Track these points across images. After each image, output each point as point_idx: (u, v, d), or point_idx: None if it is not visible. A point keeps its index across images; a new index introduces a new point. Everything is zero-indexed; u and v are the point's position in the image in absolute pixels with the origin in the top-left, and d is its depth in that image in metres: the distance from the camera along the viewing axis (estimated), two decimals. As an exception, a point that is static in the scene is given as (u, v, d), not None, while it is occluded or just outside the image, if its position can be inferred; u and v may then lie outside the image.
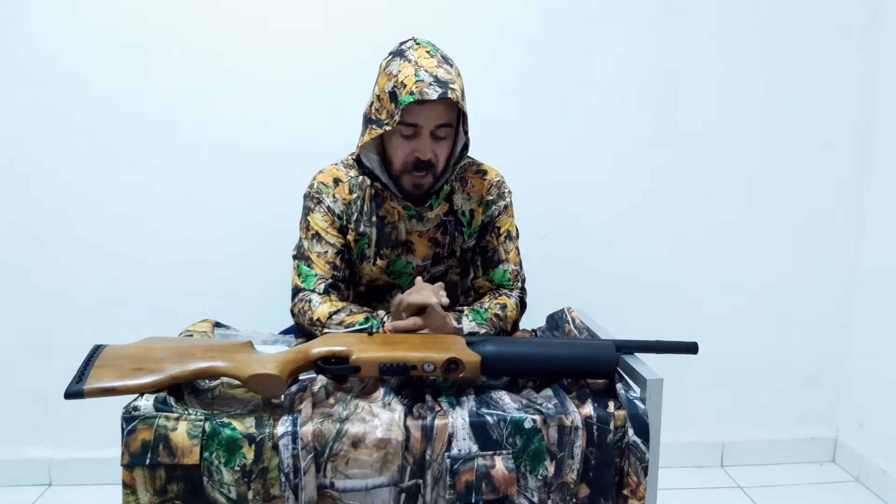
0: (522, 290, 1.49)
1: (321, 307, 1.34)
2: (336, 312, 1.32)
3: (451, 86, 1.26)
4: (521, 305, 1.48)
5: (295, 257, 1.44)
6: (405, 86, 1.26)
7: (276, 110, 1.98)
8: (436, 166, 1.35)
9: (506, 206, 1.49)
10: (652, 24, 2.04)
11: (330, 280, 1.40)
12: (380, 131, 1.31)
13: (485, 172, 1.50)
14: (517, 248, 1.51)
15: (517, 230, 1.52)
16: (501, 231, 1.48)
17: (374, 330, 1.26)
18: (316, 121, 1.98)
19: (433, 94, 1.24)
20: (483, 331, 1.33)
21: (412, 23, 1.90)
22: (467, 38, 1.97)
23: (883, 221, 2.10)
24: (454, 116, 1.34)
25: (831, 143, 2.14)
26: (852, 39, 2.09)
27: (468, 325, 1.33)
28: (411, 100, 1.25)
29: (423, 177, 1.35)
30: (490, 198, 1.48)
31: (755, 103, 2.10)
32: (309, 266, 1.41)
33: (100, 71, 1.94)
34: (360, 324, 1.28)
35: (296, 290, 1.41)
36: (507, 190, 1.50)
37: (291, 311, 1.41)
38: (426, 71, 1.27)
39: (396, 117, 1.27)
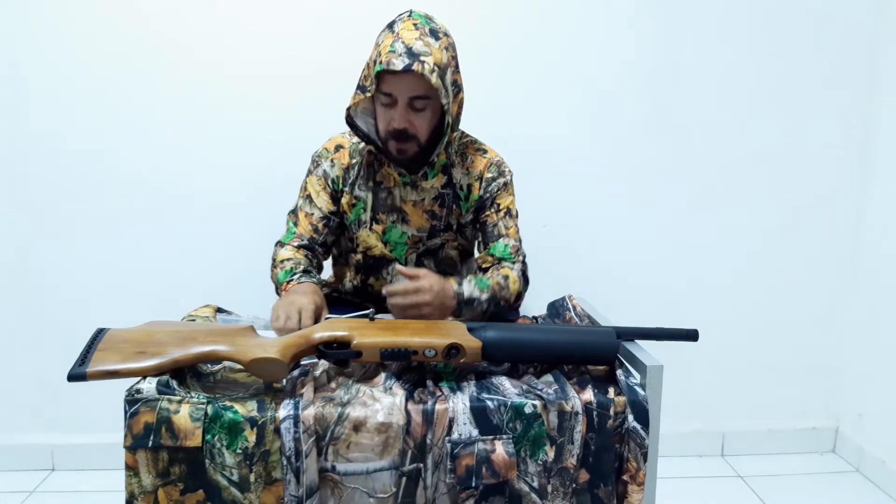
0: (524, 263, 1.50)
1: (282, 251, 1.45)
2: (287, 260, 1.42)
3: (421, 58, 1.28)
4: (524, 279, 1.48)
5: (289, 213, 1.52)
6: (380, 55, 1.30)
7: (275, 100, 1.98)
8: (416, 137, 1.37)
9: (505, 184, 1.51)
10: (654, 19, 2.03)
11: (306, 242, 1.47)
12: (362, 97, 1.36)
13: (485, 152, 1.53)
14: (517, 226, 1.52)
15: (517, 211, 1.53)
16: (501, 207, 1.49)
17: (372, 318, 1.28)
18: (314, 109, 1.97)
19: (399, 64, 1.28)
20: (485, 296, 1.34)
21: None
22: (470, 31, 1.96)
23: (882, 212, 2.10)
24: (431, 89, 1.33)
25: (832, 135, 2.13)
26: (855, 34, 2.08)
27: (469, 288, 1.33)
28: (378, 69, 1.30)
29: (404, 144, 1.37)
30: (489, 175, 1.49)
31: (755, 98, 2.09)
32: (295, 224, 1.49)
33: (101, 66, 1.94)
34: (287, 273, 1.39)
35: (279, 243, 1.49)
36: (507, 169, 1.52)
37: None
38: (402, 42, 1.30)
39: (374, 86, 1.32)
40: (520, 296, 1.46)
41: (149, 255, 2.03)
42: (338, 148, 1.50)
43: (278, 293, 1.41)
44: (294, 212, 1.51)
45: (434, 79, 1.29)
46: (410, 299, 1.23)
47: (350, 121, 1.43)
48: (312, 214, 1.48)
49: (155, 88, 1.96)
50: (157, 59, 1.95)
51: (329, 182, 1.49)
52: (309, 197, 1.49)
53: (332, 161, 1.49)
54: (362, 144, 1.48)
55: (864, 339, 2.18)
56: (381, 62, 1.29)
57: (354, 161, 1.48)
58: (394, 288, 1.25)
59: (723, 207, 2.15)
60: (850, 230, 2.18)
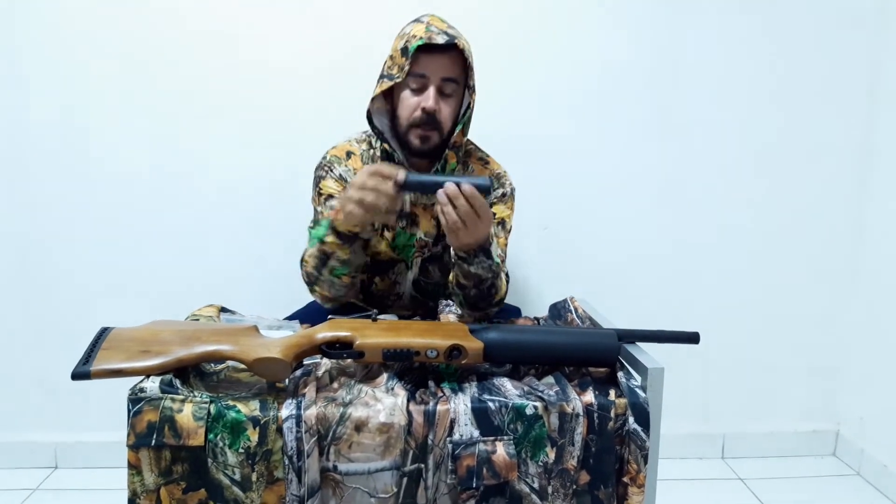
0: (507, 276, 1.47)
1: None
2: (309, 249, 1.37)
3: (459, 38, 1.34)
4: (504, 291, 1.45)
5: (309, 228, 1.46)
6: (416, 36, 1.33)
7: (279, 95, 1.99)
8: (441, 124, 1.38)
9: (503, 195, 1.50)
10: (656, 20, 2.04)
11: None
12: (390, 83, 1.36)
13: (487, 162, 1.53)
14: (507, 239, 1.50)
15: (511, 226, 1.52)
16: (496, 217, 1.48)
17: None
18: (318, 107, 1.99)
19: (441, 39, 1.32)
20: (495, 267, 1.33)
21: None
22: (470, 32, 1.97)
23: (884, 214, 2.10)
24: (461, 74, 1.38)
25: (833, 136, 2.14)
26: (857, 35, 2.08)
27: (494, 248, 1.33)
28: (420, 43, 1.31)
29: (429, 131, 1.38)
30: None
31: (756, 99, 2.10)
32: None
33: (103, 63, 1.95)
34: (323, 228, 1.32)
35: (302, 255, 1.43)
36: (507, 182, 1.52)
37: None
38: (436, 27, 1.35)
39: (406, 68, 1.33)
40: (500, 302, 1.44)
41: (151, 254, 2.04)
42: (349, 154, 1.48)
43: (327, 262, 1.34)
44: (315, 224, 1.46)
45: (471, 58, 1.36)
46: (469, 205, 1.16)
47: (369, 116, 1.42)
48: (331, 211, 1.43)
49: (155, 88, 1.97)
50: (157, 58, 1.95)
51: (347, 185, 1.44)
52: (330, 198, 1.44)
53: (346, 166, 1.46)
54: (372, 151, 1.47)
55: (865, 342, 2.18)
56: (420, 38, 1.32)
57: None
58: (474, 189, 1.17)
59: (723, 209, 2.15)
60: (851, 231, 2.19)
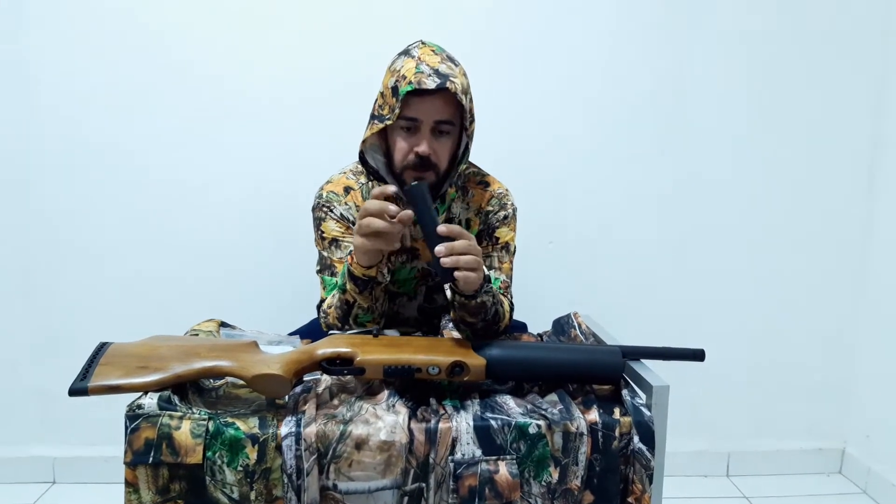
0: (512, 304, 1.43)
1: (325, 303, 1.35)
2: (328, 302, 1.33)
3: (451, 78, 1.25)
4: (511, 317, 1.41)
5: (319, 272, 1.42)
6: (405, 78, 1.25)
7: (285, 110, 1.99)
8: (437, 165, 1.31)
9: (506, 217, 1.45)
10: (661, 33, 2.04)
11: None
12: (381, 126, 1.29)
13: (487, 184, 1.47)
14: (512, 263, 1.46)
15: (515, 247, 1.48)
16: (500, 241, 1.44)
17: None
18: (325, 120, 1.99)
19: (431, 83, 1.23)
20: (493, 297, 1.28)
21: (418, 29, 1.90)
22: (473, 42, 1.97)
23: (891, 231, 2.09)
24: (455, 114, 1.31)
25: (839, 153, 2.13)
26: (863, 47, 2.08)
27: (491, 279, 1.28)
28: (409, 89, 1.23)
29: (424, 173, 1.31)
30: (490, 209, 1.45)
31: (762, 111, 2.09)
32: (332, 275, 1.38)
33: (106, 70, 1.95)
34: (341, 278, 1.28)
35: (320, 304, 1.39)
36: (509, 202, 1.47)
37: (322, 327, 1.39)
38: (427, 65, 1.26)
39: (396, 110, 1.26)
40: (506, 329, 1.40)
41: (152, 268, 2.04)
42: (347, 190, 1.42)
43: (350, 312, 1.29)
44: (322, 268, 1.41)
45: (466, 101, 1.27)
46: (472, 247, 1.15)
47: (362, 157, 1.36)
48: (348, 256, 1.36)
49: (164, 100, 1.97)
50: (163, 70, 1.96)
51: (350, 224, 1.39)
52: (334, 242, 1.39)
53: (346, 204, 1.40)
54: (371, 183, 1.41)
55: (871, 359, 2.16)
56: (410, 82, 1.24)
57: None
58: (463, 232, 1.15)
59: (730, 225, 2.14)
60: (859, 249, 2.17)
